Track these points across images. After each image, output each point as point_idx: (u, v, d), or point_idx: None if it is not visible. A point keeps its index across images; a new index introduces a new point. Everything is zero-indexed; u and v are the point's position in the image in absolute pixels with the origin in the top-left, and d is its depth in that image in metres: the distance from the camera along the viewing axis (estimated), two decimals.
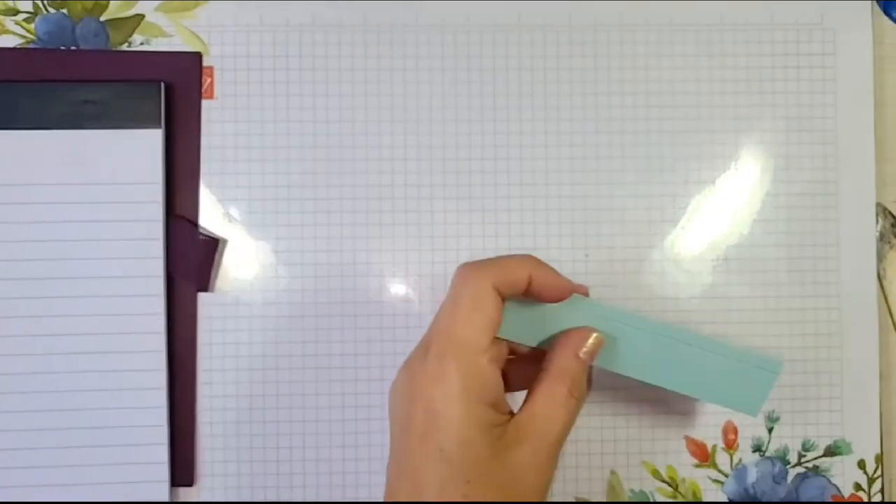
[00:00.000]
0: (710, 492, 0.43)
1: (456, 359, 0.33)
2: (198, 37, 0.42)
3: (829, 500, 0.43)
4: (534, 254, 0.36)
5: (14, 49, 0.42)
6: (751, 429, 0.43)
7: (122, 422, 0.41)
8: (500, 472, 0.33)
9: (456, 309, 0.34)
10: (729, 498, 0.43)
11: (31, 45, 0.42)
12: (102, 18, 0.42)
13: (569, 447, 0.43)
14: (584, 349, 0.35)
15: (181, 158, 0.42)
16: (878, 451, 0.43)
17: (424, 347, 0.34)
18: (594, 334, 0.36)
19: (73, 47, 0.42)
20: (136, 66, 0.42)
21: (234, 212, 0.42)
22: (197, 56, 0.42)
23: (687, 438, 0.43)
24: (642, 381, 0.37)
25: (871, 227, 0.44)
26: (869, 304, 0.44)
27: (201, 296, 0.42)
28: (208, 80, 0.42)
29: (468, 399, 0.33)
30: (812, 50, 0.44)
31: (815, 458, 0.44)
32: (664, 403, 0.43)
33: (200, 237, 0.42)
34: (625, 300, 0.43)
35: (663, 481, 0.43)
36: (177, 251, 0.42)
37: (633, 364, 0.37)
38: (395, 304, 0.43)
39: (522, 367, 0.37)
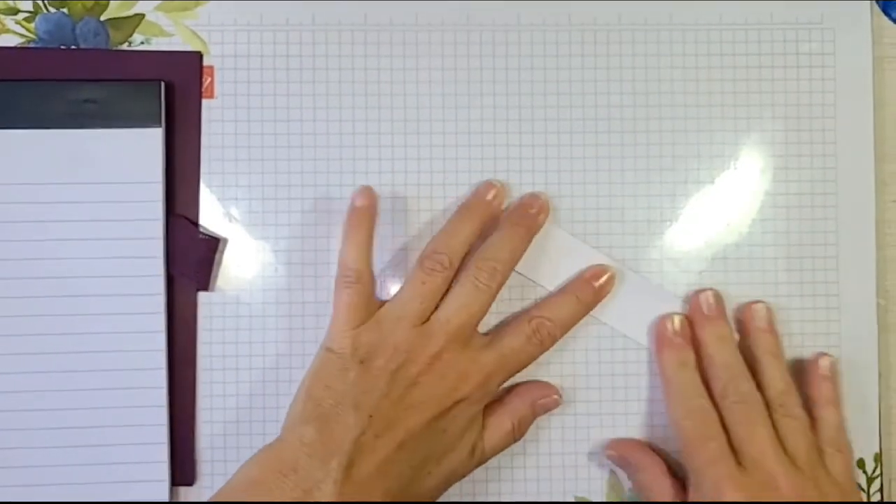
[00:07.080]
0: None
1: None
2: (198, 36, 0.42)
3: None
4: None
5: (14, 48, 0.42)
6: None
7: (122, 421, 0.41)
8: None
9: None
10: None
11: (32, 45, 0.42)
12: (103, 18, 0.42)
13: (569, 447, 0.43)
14: (541, 401, 0.41)
15: (181, 157, 0.42)
16: (878, 450, 0.43)
17: None
18: (555, 396, 0.42)
19: (73, 46, 0.42)
20: (136, 65, 0.42)
21: (234, 211, 0.42)
22: (197, 55, 0.42)
23: None
24: None
25: (870, 227, 0.44)
26: (868, 303, 0.44)
27: (201, 295, 0.42)
28: (208, 79, 0.42)
29: None
30: (812, 50, 0.44)
31: None
32: (664, 403, 0.42)
33: (200, 236, 0.42)
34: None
35: None
36: (177, 250, 0.42)
37: None
38: None
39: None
